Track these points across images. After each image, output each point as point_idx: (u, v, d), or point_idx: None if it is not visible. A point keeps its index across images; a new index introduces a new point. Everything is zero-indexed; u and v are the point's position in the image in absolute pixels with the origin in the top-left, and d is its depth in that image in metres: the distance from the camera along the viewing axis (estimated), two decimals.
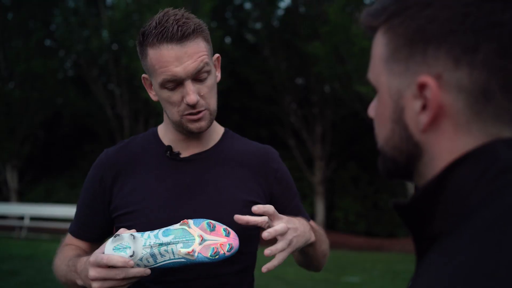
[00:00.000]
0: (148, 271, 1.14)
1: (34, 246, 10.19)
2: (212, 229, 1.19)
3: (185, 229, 1.18)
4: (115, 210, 1.36)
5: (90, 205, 1.40)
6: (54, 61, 16.63)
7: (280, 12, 17.37)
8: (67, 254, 1.36)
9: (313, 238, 1.28)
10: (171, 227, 1.19)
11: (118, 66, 15.90)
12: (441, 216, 0.57)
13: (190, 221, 1.19)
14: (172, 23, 1.21)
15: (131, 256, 1.12)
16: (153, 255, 1.15)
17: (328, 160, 16.16)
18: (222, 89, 14.02)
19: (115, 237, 1.14)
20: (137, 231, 1.28)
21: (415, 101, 0.58)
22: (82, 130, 18.89)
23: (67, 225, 11.82)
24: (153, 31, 1.22)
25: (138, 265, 1.14)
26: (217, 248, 1.16)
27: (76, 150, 18.60)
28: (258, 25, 17.14)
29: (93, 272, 1.11)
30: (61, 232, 12.20)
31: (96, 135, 18.05)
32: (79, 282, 1.23)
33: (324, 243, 1.42)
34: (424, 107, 0.57)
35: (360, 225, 15.18)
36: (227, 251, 1.17)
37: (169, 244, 1.15)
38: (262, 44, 16.46)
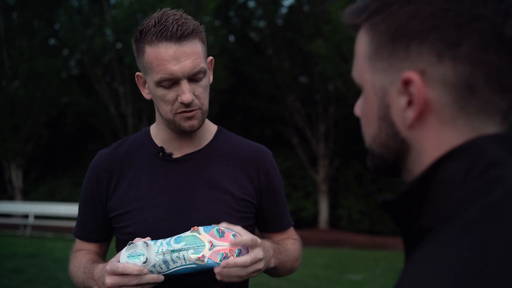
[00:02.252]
0: (162, 278, 1.19)
1: (38, 244, 10.22)
2: (222, 235, 1.21)
3: (196, 235, 1.21)
4: (111, 211, 1.38)
5: (89, 206, 1.42)
6: (58, 60, 16.67)
7: (283, 11, 17.35)
8: (81, 260, 1.40)
9: (271, 265, 1.31)
10: (182, 234, 1.22)
11: (122, 65, 15.89)
12: (428, 212, 0.56)
13: (200, 228, 1.22)
14: (172, 22, 1.22)
15: (144, 262, 1.17)
16: (165, 262, 1.19)
17: (332, 158, 16.14)
18: (226, 88, 13.99)
19: (129, 245, 1.19)
20: (133, 230, 1.32)
21: (401, 97, 0.58)
22: (85, 129, 18.93)
23: (71, 223, 11.89)
24: (152, 29, 1.23)
25: (151, 272, 1.19)
26: (226, 253, 1.19)
27: (79, 149, 18.66)
28: (261, 24, 17.11)
29: (109, 280, 1.17)
30: (65, 231, 12.24)
31: (100, 134, 18.07)
32: None
33: (289, 262, 1.43)
34: (409, 103, 0.57)
35: (363, 223, 15.16)
36: (236, 255, 1.20)
37: (181, 250, 1.19)
38: (266, 43, 16.44)
